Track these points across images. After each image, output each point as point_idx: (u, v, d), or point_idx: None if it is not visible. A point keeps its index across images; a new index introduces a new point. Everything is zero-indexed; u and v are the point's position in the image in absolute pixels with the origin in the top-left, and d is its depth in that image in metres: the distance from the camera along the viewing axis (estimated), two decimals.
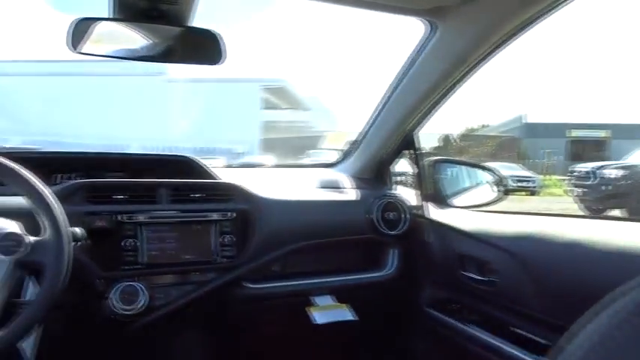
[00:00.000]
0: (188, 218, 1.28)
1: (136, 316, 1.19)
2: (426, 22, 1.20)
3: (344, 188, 1.61)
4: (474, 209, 1.59)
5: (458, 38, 1.20)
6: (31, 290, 1.00)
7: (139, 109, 19.86)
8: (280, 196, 1.44)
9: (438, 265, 1.48)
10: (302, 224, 1.44)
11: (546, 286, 1.11)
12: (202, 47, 1.06)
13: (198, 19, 1.05)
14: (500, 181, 1.77)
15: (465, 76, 1.30)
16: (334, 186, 1.62)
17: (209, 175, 1.43)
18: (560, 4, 1.01)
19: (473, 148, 22.00)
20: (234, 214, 1.32)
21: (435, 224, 1.51)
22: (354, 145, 1.73)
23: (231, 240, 1.31)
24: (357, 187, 1.62)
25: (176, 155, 1.50)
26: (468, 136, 25.76)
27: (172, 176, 1.35)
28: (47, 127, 17.14)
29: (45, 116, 19.54)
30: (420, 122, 1.50)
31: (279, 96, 25.10)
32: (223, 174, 1.47)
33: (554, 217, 1.27)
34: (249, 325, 1.55)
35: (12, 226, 0.92)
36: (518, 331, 1.20)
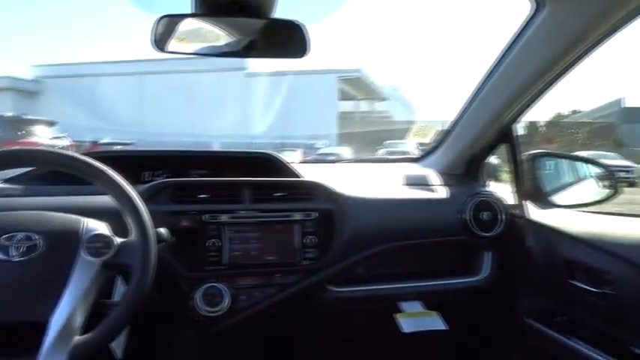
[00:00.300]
0: (270, 218, 1.24)
1: (219, 317, 1.17)
2: (532, 0, 1.06)
3: (432, 185, 1.50)
4: (581, 209, 1.43)
5: (569, 17, 1.04)
6: (120, 290, 1.01)
7: (219, 105, 20.71)
8: (365, 194, 1.36)
9: (540, 272, 1.34)
10: (388, 224, 1.36)
11: None
12: (286, 40, 1.00)
13: (280, 11, 1.00)
14: (610, 176, 1.58)
15: (575, 61, 1.14)
16: (421, 182, 1.51)
17: (291, 173, 1.39)
18: None
19: (562, 136, 20.71)
20: (318, 214, 1.27)
21: (536, 225, 1.37)
22: (442, 137, 1.61)
23: (315, 241, 1.26)
24: (447, 184, 1.50)
25: (258, 152, 1.48)
26: (557, 124, 24.30)
27: (254, 174, 1.33)
28: (134, 126, 18.35)
29: (131, 115, 20.97)
30: (520, 113, 1.36)
31: (356, 86, 25.09)
32: (304, 170, 1.42)
33: None
34: (333, 329, 1.50)
35: (101, 227, 0.93)
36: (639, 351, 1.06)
